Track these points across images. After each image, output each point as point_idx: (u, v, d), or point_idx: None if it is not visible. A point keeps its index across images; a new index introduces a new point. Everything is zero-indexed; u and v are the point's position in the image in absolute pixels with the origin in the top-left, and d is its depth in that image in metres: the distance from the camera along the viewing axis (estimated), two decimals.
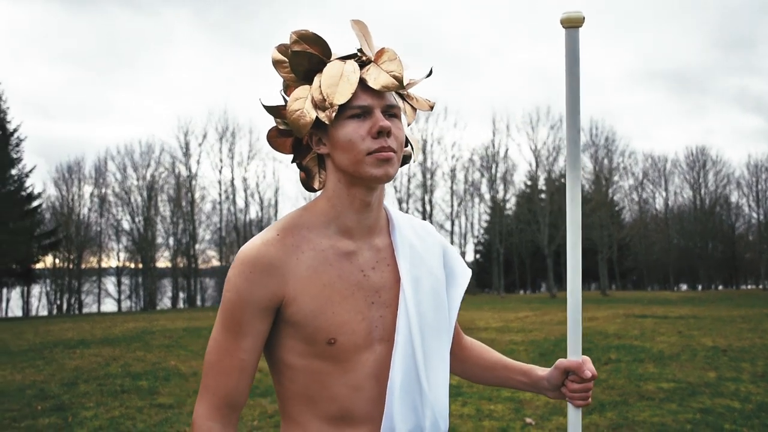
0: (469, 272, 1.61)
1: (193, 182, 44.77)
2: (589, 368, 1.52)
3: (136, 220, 44.44)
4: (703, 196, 54.50)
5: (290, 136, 1.44)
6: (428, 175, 46.07)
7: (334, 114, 1.30)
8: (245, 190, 45.55)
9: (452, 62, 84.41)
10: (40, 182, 57.13)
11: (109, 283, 49.16)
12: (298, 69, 1.36)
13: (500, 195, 46.56)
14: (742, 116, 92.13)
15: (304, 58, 1.34)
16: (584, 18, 1.35)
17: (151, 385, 8.07)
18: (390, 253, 1.44)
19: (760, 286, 54.92)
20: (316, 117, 1.32)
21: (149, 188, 44.11)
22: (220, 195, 45.38)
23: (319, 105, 1.32)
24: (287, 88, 1.42)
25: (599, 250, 43.86)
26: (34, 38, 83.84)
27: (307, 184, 1.47)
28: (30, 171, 35.98)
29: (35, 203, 37.64)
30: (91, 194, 46.04)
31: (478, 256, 56.14)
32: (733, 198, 55.48)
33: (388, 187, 45.26)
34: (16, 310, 43.39)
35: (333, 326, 1.33)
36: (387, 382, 1.36)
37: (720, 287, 57.66)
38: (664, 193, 57.08)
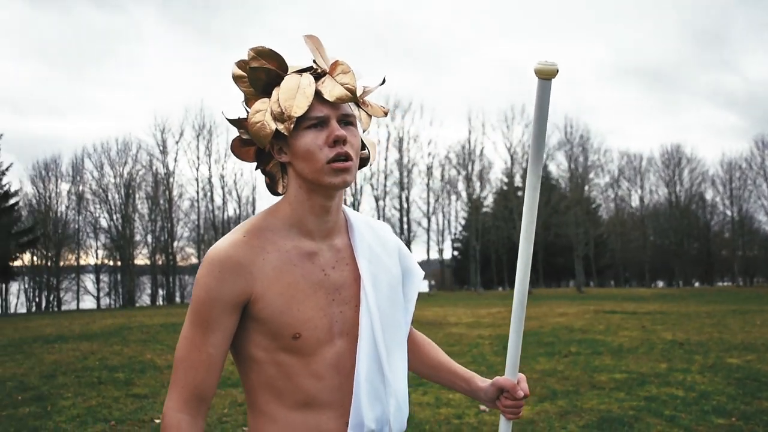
0: (422, 272, 1.71)
1: (171, 180, 44.86)
2: (523, 388, 1.65)
3: (114, 217, 44.42)
4: (679, 194, 55.32)
5: (253, 145, 1.53)
6: (405, 173, 46.46)
7: (292, 126, 1.38)
8: (223, 188, 45.75)
9: (425, 57, 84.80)
10: (14, 180, 56.76)
11: (88, 281, 49.02)
12: (257, 83, 1.44)
13: (477, 192, 47.00)
14: (717, 113, 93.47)
15: (262, 73, 1.43)
16: (558, 70, 1.38)
17: (127, 377, 8.37)
18: (349, 253, 1.53)
19: (735, 283, 55.95)
20: (276, 128, 1.40)
21: (127, 186, 44.11)
22: (197, 193, 45.52)
23: (278, 117, 1.39)
24: (248, 101, 1.49)
25: (575, 248, 44.36)
26: None
27: (272, 188, 1.57)
28: (6, 169, 35.91)
29: (12, 201, 37.56)
30: (69, 192, 45.94)
31: (455, 253, 56.63)
32: (708, 196, 56.38)
33: (366, 185, 45.58)
34: None
35: (298, 322, 1.41)
36: (346, 372, 1.47)
37: (696, 284, 58.50)
38: (639, 191, 57.87)
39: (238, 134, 1.53)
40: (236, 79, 1.48)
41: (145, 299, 48.19)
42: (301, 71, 1.45)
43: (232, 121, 1.51)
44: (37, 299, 44.64)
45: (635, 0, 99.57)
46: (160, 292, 47.34)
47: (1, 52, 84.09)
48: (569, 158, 47.67)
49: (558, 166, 49.53)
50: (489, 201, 50.77)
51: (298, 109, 1.38)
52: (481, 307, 23.54)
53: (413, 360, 1.79)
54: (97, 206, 45.56)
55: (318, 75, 1.45)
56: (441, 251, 50.20)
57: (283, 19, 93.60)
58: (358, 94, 1.46)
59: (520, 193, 46.61)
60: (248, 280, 1.39)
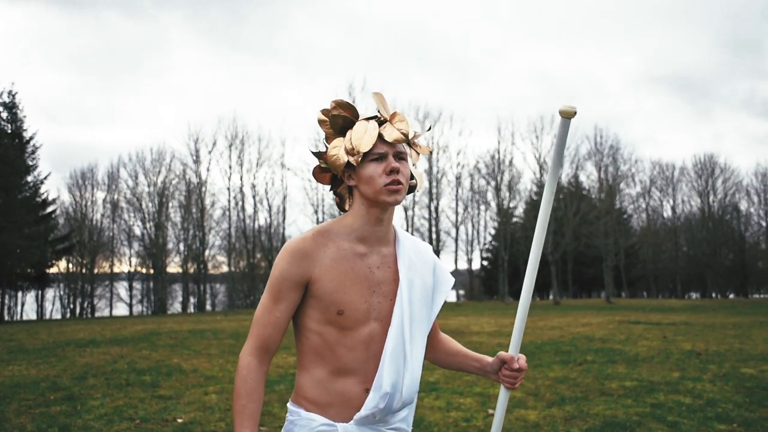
0: (451, 279, 2.15)
1: (203, 189, 45.62)
2: (520, 363, 2.05)
3: (148, 225, 45.31)
4: (712, 204, 54.58)
5: (329, 172, 2.03)
6: (434, 183, 46.60)
7: (360, 158, 1.88)
8: (254, 197, 46.30)
9: (455, 67, 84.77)
10: (52, 188, 58.03)
11: (121, 288, 50.01)
12: (336, 126, 1.95)
13: (506, 203, 46.94)
14: (751, 121, 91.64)
15: (340, 119, 1.93)
16: (576, 112, 1.80)
17: (153, 380, 8.74)
18: (393, 260, 1.99)
19: None
20: (348, 160, 1.90)
21: (160, 194, 44.96)
22: (229, 201, 46.19)
23: (350, 152, 1.89)
24: (328, 139, 1.98)
25: (604, 258, 43.97)
26: (33, 42, 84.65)
27: (341, 206, 2.05)
28: (45, 177, 36.86)
29: (50, 209, 38.57)
30: (104, 200, 47.08)
31: (485, 263, 56.52)
32: (743, 206, 55.53)
33: None
34: (30, 313, 44.26)
35: (343, 302, 1.87)
36: (374, 350, 1.90)
37: (731, 296, 57.43)
38: (671, 201, 57.24)
39: (317, 163, 2.03)
40: (320, 122, 1.98)
41: (177, 307, 48.97)
42: (368, 119, 1.95)
43: (316, 154, 2.01)
44: (71, 306, 45.67)
45: (666, 8, 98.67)
46: (192, 299, 48.06)
47: (37, 62, 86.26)
48: (599, 168, 47.40)
49: (588, 177, 49.28)
50: (519, 211, 50.65)
51: (365, 146, 1.87)
52: (506, 317, 23.64)
53: (438, 352, 2.22)
54: (131, 214, 46.68)
55: (381, 122, 1.94)
56: (470, 261, 50.25)
57: (310, 28, 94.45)
58: (410, 138, 1.94)
59: None
60: (310, 266, 1.88)
